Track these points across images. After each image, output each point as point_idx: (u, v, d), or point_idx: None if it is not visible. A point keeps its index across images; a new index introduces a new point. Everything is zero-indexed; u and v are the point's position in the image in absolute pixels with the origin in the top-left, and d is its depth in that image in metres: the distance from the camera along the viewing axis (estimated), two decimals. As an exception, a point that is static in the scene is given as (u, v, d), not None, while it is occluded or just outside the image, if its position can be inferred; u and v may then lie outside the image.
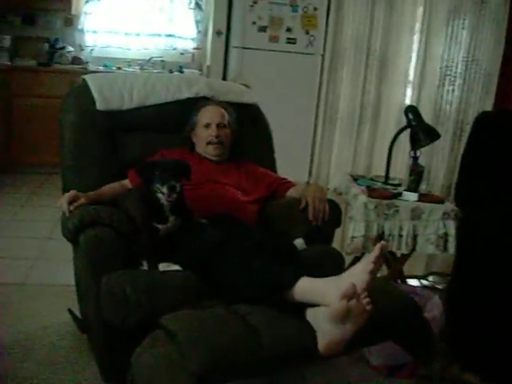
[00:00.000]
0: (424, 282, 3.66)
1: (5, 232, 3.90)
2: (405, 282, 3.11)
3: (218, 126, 2.60)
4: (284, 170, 2.87)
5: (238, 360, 1.60)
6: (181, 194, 2.11)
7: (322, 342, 1.64)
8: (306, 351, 1.68)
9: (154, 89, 2.72)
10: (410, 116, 2.99)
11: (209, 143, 2.60)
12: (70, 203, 2.15)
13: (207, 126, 2.60)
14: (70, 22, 5.75)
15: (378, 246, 1.69)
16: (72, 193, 2.19)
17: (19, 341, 2.51)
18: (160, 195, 2.07)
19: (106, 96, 2.60)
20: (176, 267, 2.06)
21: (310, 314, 1.71)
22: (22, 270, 3.29)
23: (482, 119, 3.10)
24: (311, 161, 4.19)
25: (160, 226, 2.11)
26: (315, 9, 4.54)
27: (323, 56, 4.37)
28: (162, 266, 2.08)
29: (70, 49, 5.70)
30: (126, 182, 2.42)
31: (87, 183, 2.37)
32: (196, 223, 2.22)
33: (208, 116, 2.62)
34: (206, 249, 1.97)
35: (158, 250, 2.11)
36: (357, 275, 1.67)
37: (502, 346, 2.50)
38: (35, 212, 4.34)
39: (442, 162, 3.69)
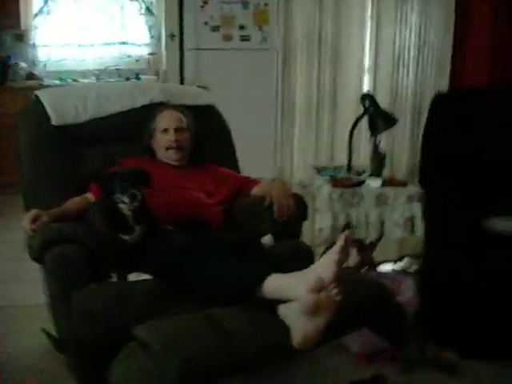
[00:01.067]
0: (397, 265, 3.68)
1: (-28, 258, 3.84)
2: (376, 269, 3.13)
3: (176, 130, 2.58)
4: (250, 168, 2.87)
5: (215, 364, 1.59)
6: (143, 202, 2.09)
7: (296, 336, 1.64)
8: (282, 348, 1.68)
9: (108, 98, 2.69)
10: (367, 103, 3.01)
11: (168, 148, 2.58)
12: (32, 222, 2.12)
13: (165, 131, 2.58)
14: (21, 37, 5.65)
15: (343, 235, 1.70)
16: (33, 212, 2.15)
17: (-3, 367, 2.48)
18: (122, 205, 2.05)
19: (59, 110, 2.56)
20: (146, 276, 2.05)
21: (283, 311, 1.71)
22: (-7, 293, 3.24)
23: (438, 100, 3.13)
24: (276, 156, 4.20)
25: (126, 237, 2.09)
26: (266, 4, 4.55)
27: (278, 51, 4.38)
28: (132, 277, 2.06)
29: (23, 65, 5.60)
30: (89, 196, 2.38)
31: (49, 200, 2.32)
32: (162, 231, 2.21)
33: (165, 121, 2.60)
34: (174, 255, 1.96)
35: (127, 261, 2.10)
36: (324, 267, 1.68)
37: (476, 320, 2.54)
38: (3, 234, 4.27)
39: (403, 145, 3.73)
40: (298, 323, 1.64)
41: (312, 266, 1.73)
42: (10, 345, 2.65)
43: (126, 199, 2.03)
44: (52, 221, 2.14)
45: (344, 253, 1.69)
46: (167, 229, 2.23)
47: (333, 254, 1.68)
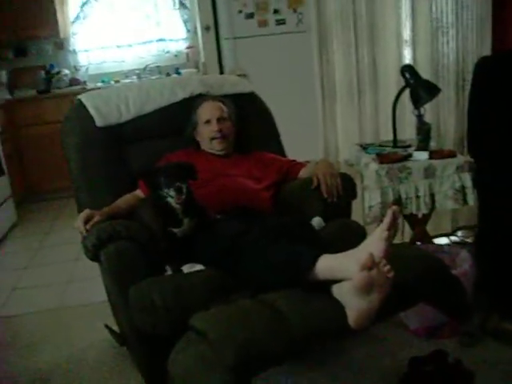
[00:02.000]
0: (453, 238, 3.63)
1: (34, 261, 3.98)
2: (431, 242, 3.08)
3: (219, 120, 2.61)
4: (296, 151, 2.86)
5: (271, 347, 1.59)
6: (190, 194, 2.11)
7: (351, 315, 1.64)
8: (337, 327, 1.67)
9: (149, 96, 2.73)
10: (407, 75, 2.95)
11: (212, 139, 2.61)
12: (85, 223, 2.16)
13: (208, 122, 2.61)
14: (61, 45, 5.81)
15: (389, 211, 1.68)
16: (86, 212, 2.20)
17: (63, 364, 2.57)
18: (170, 199, 2.08)
19: (103, 112, 2.61)
20: (199, 267, 2.07)
21: (336, 290, 1.70)
22: (55, 295, 3.35)
23: (482, 65, 3.05)
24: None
25: (176, 230, 2.12)
26: (298, -15, 4.49)
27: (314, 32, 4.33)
28: (186, 268, 2.08)
29: (66, 71, 5.76)
30: (138, 192, 2.43)
31: (100, 200, 2.37)
32: (212, 220, 2.23)
33: (207, 112, 2.63)
34: (224, 242, 1.98)
35: (179, 253, 2.13)
36: (373, 244, 1.66)
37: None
38: (60, 237, 4.41)
39: (449, 115, 3.63)
40: (353, 302, 1.63)
41: (361, 245, 1.71)
42: (77, 343, 2.75)
43: (173, 193, 2.05)
44: (104, 219, 2.18)
45: (392, 229, 1.67)
46: (217, 218, 2.25)
47: (381, 231, 1.66)
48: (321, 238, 2.09)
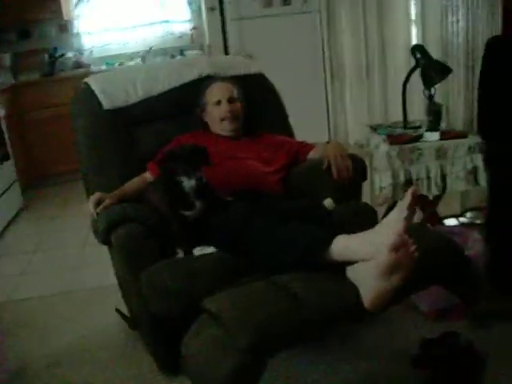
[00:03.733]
0: (462, 219, 3.60)
1: (43, 245, 3.97)
2: (442, 224, 3.06)
3: (229, 101, 2.58)
4: (305, 133, 2.84)
5: (284, 329, 1.59)
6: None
7: (368, 297, 1.62)
8: (351, 309, 1.67)
9: (157, 77, 2.71)
10: (418, 55, 2.92)
11: (223, 119, 2.58)
12: (96, 206, 2.16)
13: (218, 103, 2.59)
14: (65, 28, 5.75)
15: (410, 191, 1.66)
16: (96, 195, 2.20)
17: (75, 346, 2.57)
18: (184, 183, 2.08)
19: (110, 94, 2.60)
20: (211, 249, 2.06)
21: (351, 272, 1.69)
22: (64, 279, 3.34)
23: (492, 44, 3.01)
24: (328, 119, 4.14)
25: (188, 213, 2.11)
26: (304, -35, 4.44)
27: (320, 12, 4.29)
28: (197, 251, 2.08)
29: (70, 54, 5.71)
30: (147, 175, 2.42)
31: (109, 183, 2.37)
32: (222, 203, 2.21)
33: (217, 93, 2.60)
34: (236, 225, 1.97)
35: (191, 236, 2.12)
36: (392, 224, 1.64)
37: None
38: (68, 221, 4.38)
39: (458, 96, 3.60)
40: (372, 284, 1.62)
41: (379, 225, 1.70)
42: (89, 327, 2.74)
43: (193, 183, 2.06)
44: (114, 203, 2.18)
45: (412, 209, 1.65)
46: (227, 200, 2.24)
47: (401, 211, 1.64)
48: (333, 220, 2.07)
